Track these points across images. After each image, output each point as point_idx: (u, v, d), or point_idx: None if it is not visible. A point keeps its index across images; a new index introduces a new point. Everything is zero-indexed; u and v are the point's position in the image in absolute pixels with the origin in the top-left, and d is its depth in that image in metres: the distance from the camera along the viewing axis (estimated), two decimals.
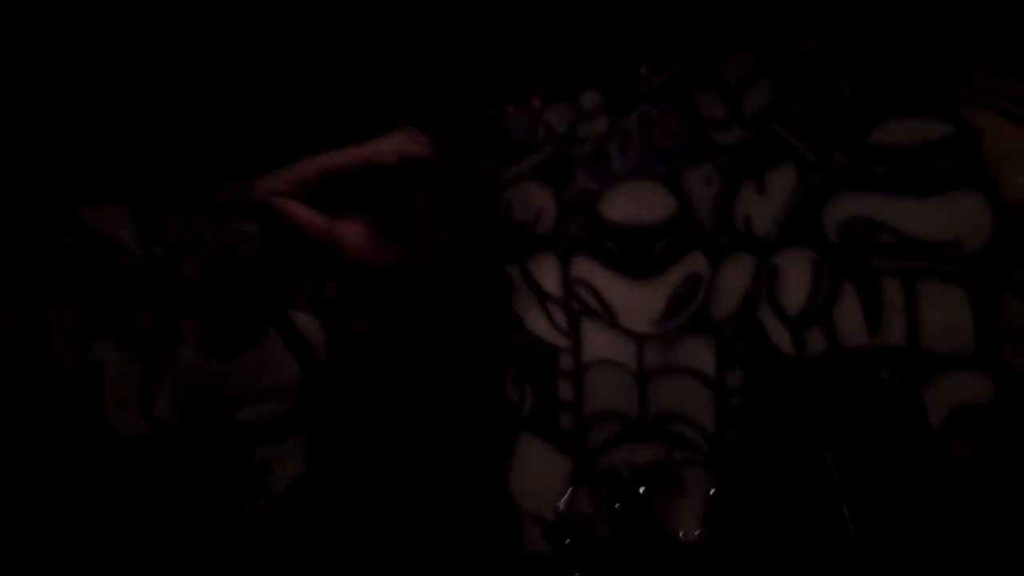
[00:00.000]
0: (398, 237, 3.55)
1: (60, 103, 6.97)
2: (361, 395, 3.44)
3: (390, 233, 3.57)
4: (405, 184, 3.63)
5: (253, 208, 3.66)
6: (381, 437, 3.36)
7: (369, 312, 3.57)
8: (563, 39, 6.82)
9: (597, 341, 6.87)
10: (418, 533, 3.31)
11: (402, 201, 3.61)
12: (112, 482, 6.94)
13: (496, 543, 3.46)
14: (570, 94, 7.08)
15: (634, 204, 6.85)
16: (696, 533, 5.50)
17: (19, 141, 6.97)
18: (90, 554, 6.43)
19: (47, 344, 7.08)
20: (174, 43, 6.83)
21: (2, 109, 6.89)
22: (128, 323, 7.19)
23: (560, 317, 6.92)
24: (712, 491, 5.36)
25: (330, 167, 3.68)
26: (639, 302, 6.78)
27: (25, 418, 6.90)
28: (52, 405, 7.00)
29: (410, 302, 3.52)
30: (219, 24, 6.69)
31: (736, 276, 6.50)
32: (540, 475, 6.71)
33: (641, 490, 5.55)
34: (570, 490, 6.02)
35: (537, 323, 6.93)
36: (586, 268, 6.94)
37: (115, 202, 7.28)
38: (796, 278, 6.33)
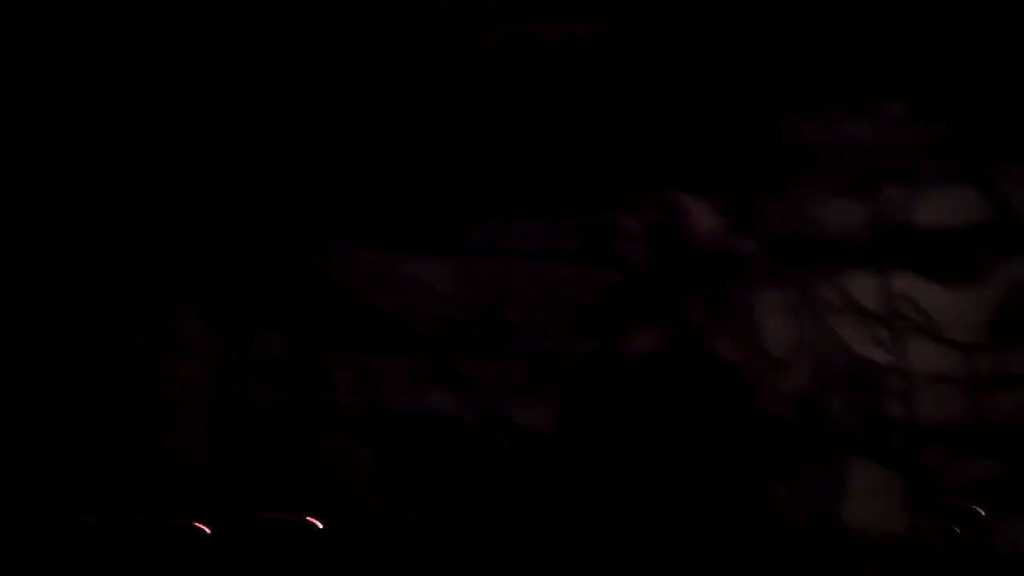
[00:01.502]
0: None
1: (366, 164, 7.31)
2: None
3: None
4: None
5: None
6: None
7: None
8: (866, 48, 6.74)
9: (923, 355, 6.71)
10: None
11: None
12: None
13: None
14: (875, 104, 6.95)
15: (949, 211, 6.69)
16: None
17: (332, 203, 7.31)
18: None
19: (381, 396, 7.38)
20: (460, 91, 7.08)
21: (316, 176, 7.25)
22: (455, 370, 7.42)
23: (883, 334, 6.79)
24: None
25: None
26: (963, 311, 6.61)
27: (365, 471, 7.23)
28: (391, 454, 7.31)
29: None
30: (500, 75, 6.92)
31: None
32: (875, 497, 6.59)
33: (982, 512, 5.38)
34: (908, 515, 5.91)
35: (859, 342, 6.81)
36: (905, 281, 6.78)
37: (431, 251, 7.49)
38: None
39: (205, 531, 6.11)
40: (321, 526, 6.27)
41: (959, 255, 6.64)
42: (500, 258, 7.48)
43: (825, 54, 6.69)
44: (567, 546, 6.54)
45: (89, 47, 6.64)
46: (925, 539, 5.96)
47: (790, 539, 5.97)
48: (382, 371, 7.32)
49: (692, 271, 3.38)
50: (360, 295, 7.35)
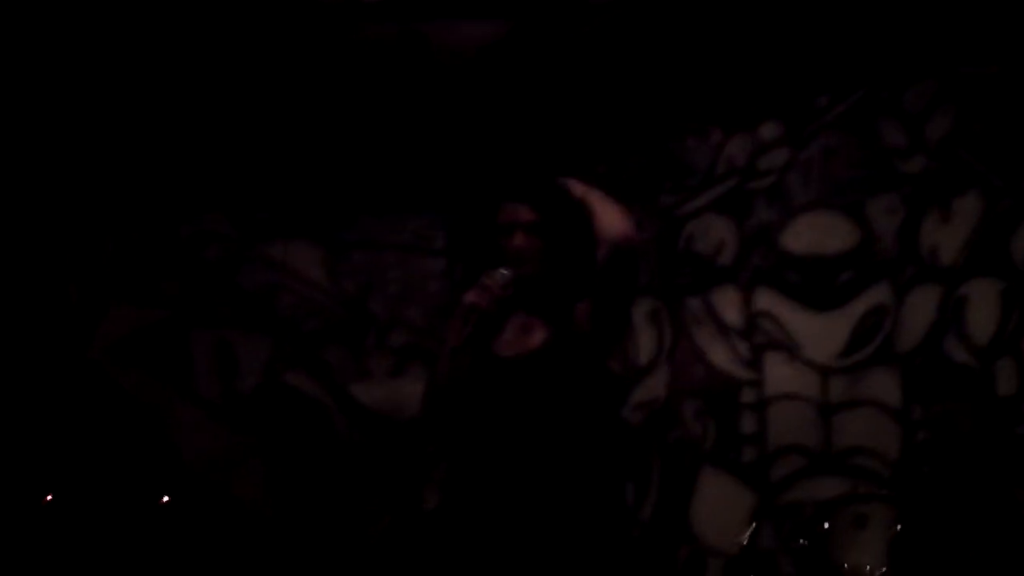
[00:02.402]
0: None
1: (247, 145, 7.21)
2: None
3: None
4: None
5: None
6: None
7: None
8: (742, 71, 6.82)
9: (780, 374, 6.82)
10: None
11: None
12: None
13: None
14: (750, 125, 7.07)
15: (816, 235, 6.80)
16: (882, 571, 5.41)
17: (208, 180, 7.22)
18: None
19: (237, 377, 7.29)
20: (352, 86, 7.04)
21: (194, 151, 7.15)
22: (318, 357, 7.38)
23: (743, 350, 6.90)
24: (898, 527, 5.28)
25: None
26: (823, 334, 6.72)
27: (214, 446, 7.12)
28: (243, 437, 7.20)
29: None
30: (393, 72, 6.88)
31: (922, 307, 6.40)
32: (723, 508, 6.69)
33: (825, 526, 5.48)
34: (753, 525, 5.98)
35: (719, 356, 6.91)
36: (769, 300, 6.90)
37: (303, 238, 7.47)
38: (984, 309, 6.20)
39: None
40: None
41: (822, 278, 6.75)
42: (371, 250, 7.50)
43: (705, 74, 6.76)
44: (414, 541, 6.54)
45: None
46: (768, 550, 6.03)
47: (639, 545, 6.00)
48: (241, 351, 7.25)
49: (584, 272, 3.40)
50: (225, 274, 7.27)
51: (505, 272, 3.57)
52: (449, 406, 3.59)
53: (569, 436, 3.48)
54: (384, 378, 7.33)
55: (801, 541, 5.55)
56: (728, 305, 6.89)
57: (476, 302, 3.55)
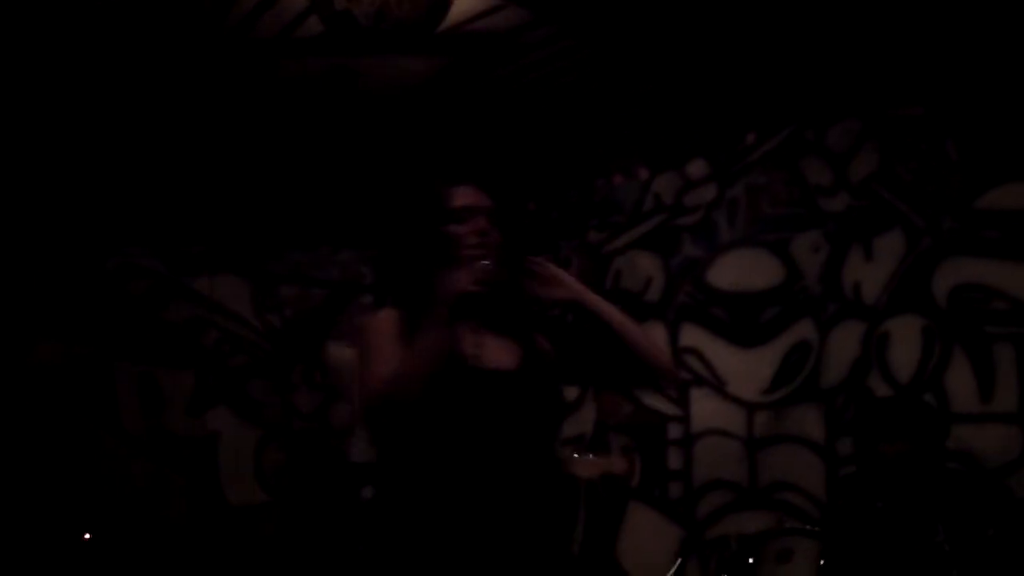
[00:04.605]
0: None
1: (173, 177, 7.17)
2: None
3: None
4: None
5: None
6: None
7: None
8: (669, 108, 6.88)
9: (706, 409, 6.87)
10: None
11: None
12: (226, 548, 7.06)
13: None
14: (677, 163, 7.14)
15: (742, 272, 6.87)
16: None
17: (135, 214, 7.16)
18: None
19: (164, 412, 7.23)
20: (280, 117, 7.02)
21: (121, 184, 7.09)
22: (243, 392, 7.34)
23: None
24: (821, 561, 5.31)
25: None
26: (748, 370, 6.78)
27: (142, 485, 7.04)
28: (169, 472, 7.14)
29: None
30: (323, 104, 6.87)
31: (845, 343, 6.46)
32: (650, 544, 6.72)
33: (750, 560, 5.51)
34: (679, 560, 6.01)
35: (645, 392, 6.93)
36: (695, 336, 6.96)
37: (231, 272, 7.43)
38: (906, 345, 6.28)
39: None
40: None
41: (747, 315, 6.81)
42: (298, 285, 7.49)
43: (634, 112, 6.81)
44: None
45: None
46: None
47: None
48: (166, 385, 7.19)
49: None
50: (151, 308, 7.21)
51: (487, 263, 3.23)
52: (411, 404, 3.15)
53: (548, 452, 3.35)
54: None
55: None
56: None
57: (470, 289, 3.20)
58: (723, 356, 6.87)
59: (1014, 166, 6.02)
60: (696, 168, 7.10)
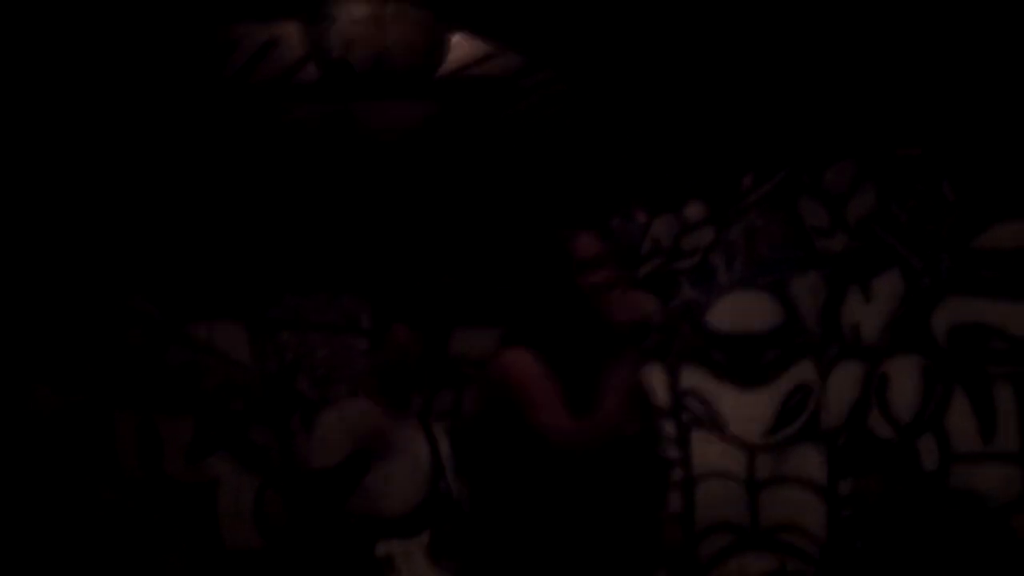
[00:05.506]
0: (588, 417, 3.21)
1: (171, 222, 7.18)
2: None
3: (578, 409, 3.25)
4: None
5: None
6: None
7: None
8: (666, 151, 6.90)
9: (707, 452, 6.85)
10: None
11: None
12: None
13: None
14: (674, 206, 7.15)
15: (741, 314, 6.87)
16: None
17: (133, 260, 7.16)
18: None
19: (163, 459, 7.19)
20: (277, 162, 7.05)
21: (119, 230, 7.10)
22: (243, 438, 7.31)
23: (669, 428, 6.92)
24: None
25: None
26: (748, 412, 6.77)
27: (141, 531, 7.01)
28: (168, 518, 7.10)
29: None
30: (320, 149, 6.90)
31: (845, 384, 6.46)
32: None
33: None
34: None
35: None
36: (695, 379, 6.95)
37: (229, 318, 7.42)
38: (906, 385, 6.27)
39: None
40: None
41: (747, 356, 6.80)
42: (297, 330, 7.47)
43: (631, 155, 6.83)
44: None
45: None
46: None
47: None
48: (164, 432, 7.16)
49: None
50: (149, 354, 7.19)
51: (651, 297, 3.34)
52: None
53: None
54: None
55: None
56: (655, 384, 6.91)
57: (648, 320, 3.29)
58: (724, 398, 6.87)
59: (1011, 205, 6.03)
60: (693, 211, 7.12)
